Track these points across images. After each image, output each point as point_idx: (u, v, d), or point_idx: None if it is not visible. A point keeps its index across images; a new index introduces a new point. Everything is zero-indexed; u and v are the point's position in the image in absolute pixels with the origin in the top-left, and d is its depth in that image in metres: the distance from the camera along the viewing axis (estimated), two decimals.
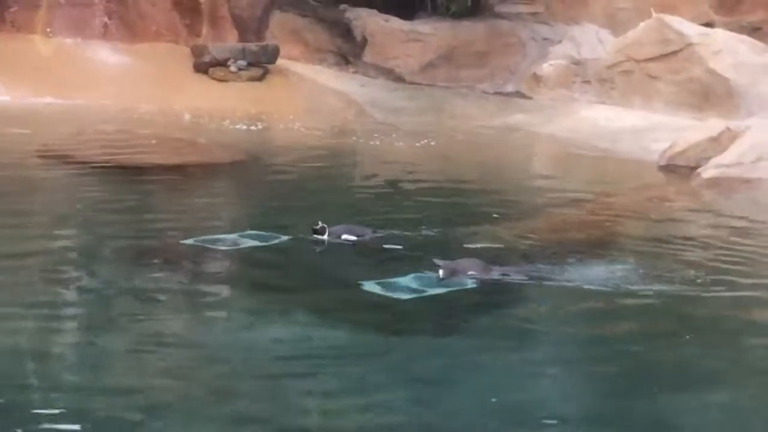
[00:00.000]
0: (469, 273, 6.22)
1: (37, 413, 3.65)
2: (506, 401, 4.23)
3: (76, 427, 3.69)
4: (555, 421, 4.15)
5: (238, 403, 4.15)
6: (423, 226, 7.28)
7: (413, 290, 5.64)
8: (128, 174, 8.29)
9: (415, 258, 6.25)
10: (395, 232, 6.94)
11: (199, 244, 6.26)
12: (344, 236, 6.58)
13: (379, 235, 6.76)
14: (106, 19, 11.85)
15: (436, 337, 5.18)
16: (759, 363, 5.06)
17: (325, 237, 6.49)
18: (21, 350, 4.63)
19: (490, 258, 6.49)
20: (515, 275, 6.37)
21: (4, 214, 6.97)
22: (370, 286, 5.61)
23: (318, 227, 6.41)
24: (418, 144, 10.55)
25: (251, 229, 6.53)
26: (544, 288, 6.00)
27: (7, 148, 8.81)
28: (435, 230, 7.20)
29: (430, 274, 5.96)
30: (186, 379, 4.39)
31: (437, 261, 6.10)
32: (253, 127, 10.76)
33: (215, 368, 4.62)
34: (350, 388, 4.37)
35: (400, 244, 6.72)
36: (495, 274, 6.29)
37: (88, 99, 10.79)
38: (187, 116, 11.23)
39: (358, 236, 6.65)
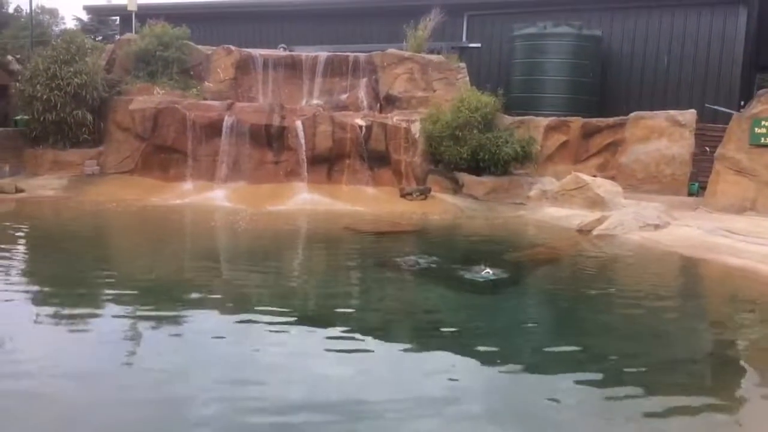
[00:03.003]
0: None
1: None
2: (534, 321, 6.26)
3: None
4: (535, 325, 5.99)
5: (406, 338, 5.69)
6: (477, 254, 9.86)
7: (482, 276, 8.07)
8: (378, 235, 12.17)
9: (468, 267, 8.59)
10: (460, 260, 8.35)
11: (401, 262, 9.08)
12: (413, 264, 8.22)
13: (430, 260, 8.36)
14: (370, 176, 16.99)
15: (495, 295, 7.49)
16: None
17: (413, 265, 8.24)
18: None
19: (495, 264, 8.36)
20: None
21: (323, 248, 10.77)
22: (466, 274, 8.14)
23: (412, 261, 8.39)
24: (483, 221, 14.52)
25: (423, 255, 9.60)
26: (536, 277, 8.66)
27: (332, 226, 12.94)
28: (477, 256, 9.69)
29: (486, 270, 8.21)
30: (393, 322, 6.01)
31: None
32: (422, 217, 14.74)
33: (399, 317, 6.41)
34: (466, 316, 6.71)
35: (458, 263, 8.63)
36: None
37: (361, 207, 15.51)
38: (398, 214, 15.00)
39: (420, 261, 8.38)
